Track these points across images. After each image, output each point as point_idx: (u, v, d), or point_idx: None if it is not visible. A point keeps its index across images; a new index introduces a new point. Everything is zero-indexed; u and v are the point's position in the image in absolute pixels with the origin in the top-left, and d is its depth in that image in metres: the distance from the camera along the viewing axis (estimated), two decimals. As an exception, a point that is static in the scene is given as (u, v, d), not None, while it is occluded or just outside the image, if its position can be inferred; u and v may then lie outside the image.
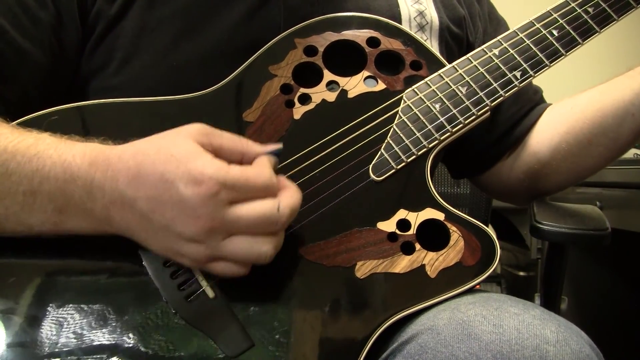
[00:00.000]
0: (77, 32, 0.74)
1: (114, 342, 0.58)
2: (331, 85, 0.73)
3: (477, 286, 0.66)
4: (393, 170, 0.69)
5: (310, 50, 0.74)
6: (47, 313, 0.58)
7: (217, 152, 0.58)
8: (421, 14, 0.86)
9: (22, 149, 0.59)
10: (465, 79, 0.74)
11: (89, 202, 0.58)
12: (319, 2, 0.78)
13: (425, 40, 0.79)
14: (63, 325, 0.58)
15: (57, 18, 0.72)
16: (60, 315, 0.58)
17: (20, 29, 0.71)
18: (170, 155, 0.55)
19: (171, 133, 0.58)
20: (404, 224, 0.67)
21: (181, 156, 0.55)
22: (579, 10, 0.78)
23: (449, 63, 0.76)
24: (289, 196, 0.58)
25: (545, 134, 0.89)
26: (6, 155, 0.59)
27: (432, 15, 0.87)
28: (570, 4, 0.79)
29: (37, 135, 0.61)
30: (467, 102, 0.73)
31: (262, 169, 0.57)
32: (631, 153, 2.07)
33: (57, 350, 0.57)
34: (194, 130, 0.58)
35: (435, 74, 0.75)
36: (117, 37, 0.74)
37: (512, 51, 0.76)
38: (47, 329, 0.58)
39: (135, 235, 0.59)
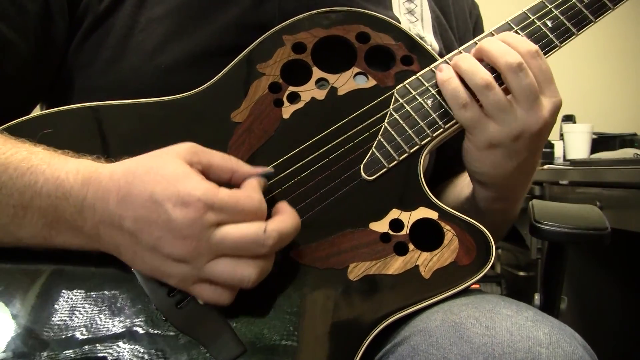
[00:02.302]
0: (65, 25, 0.73)
1: (104, 349, 0.57)
2: (321, 82, 0.72)
3: (477, 285, 0.65)
4: (385, 169, 0.68)
5: (299, 47, 0.72)
6: (35, 321, 0.58)
7: (207, 171, 0.58)
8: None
9: (14, 162, 0.59)
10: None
11: (80, 220, 0.58)
12: (316, 5, 0.76)
13: (415, 22, 0.78)
14: (51, 333, 0.57)
15: (45, 9, 0.72)
16: (48, 323, 0.58)
17: (5, 19, 0.70)
18: (160, 176, 0.55)
19: (161, 152, 0.58)
20: (396, 224, 0.66)
21: (170, 177, 0.55)
22: (573, 0, 0.77)
23: (442, 47, 0.75)
24: (281, 221, 0.58)
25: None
26: None
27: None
28: None
29: (30, 149, 0.61)
30: None
31: (251, 193, 0.58)
32: (631, 153, 2.08)
33: (45, 357, 0.56)
34: (184, 149, 0.58)
35: (427, 68, 0.73)
36: (106, 34, 0.73)
37: None
38: (35, 337, 0.57)
39: (123, 255, 0.58)
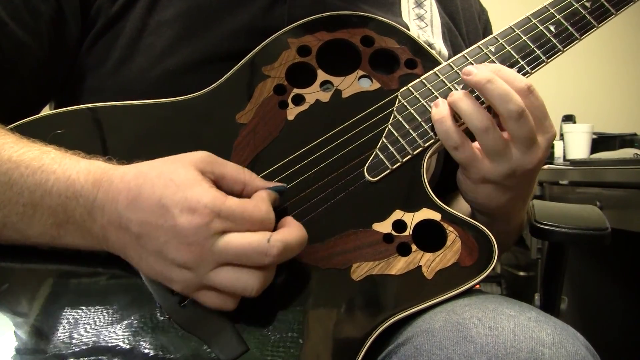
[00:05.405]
0: (77, 27, 0.74)
1: (107, 347, 0.57)
2: (325, 85, 0.72)
3: (477, 286, 0.65)
4: (388, 171, 0.69)
5: (304, 50, 0.73)
6: (40, 319, 0.58)
7: (219, 181, 0.58)
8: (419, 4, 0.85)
9: (26, 161, 0.59)
10: (460, 76, 0.73)
11: (89, 221, 0.58)
12: (324, 10, 0.77)
13: (425, 27, 0.78)
14: (56, 331, 0.57)
15: (58, 11, 0.72)
16: (54, 321, 0.58)
17: (19, 21, 0.70)
18: (170, 180, 0.55)
19: (175, 159, 0.58)
20: (399, 225, 0.66)
21: (180, 182, 0.55)
22: (576, 5, 0.77)
23: (451, 53, 0.75)
24: (287, 232, 0.57)
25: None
26: (10, 164, 0.59)
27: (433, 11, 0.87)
28: None
29: (41, 148, 0.61)
30: None
31: (260, 203, 0.57)
32: (631, 153, 2.08)
33: (48, 356, 0.56)
34: (198, 157, 0.58)
35: (431, 72, 0.74)
36: (117, 36, 0.74)
37: (508, 47, 0.75)
38: (39, 336, 0.57)
39: (129, 257, 0.58)
